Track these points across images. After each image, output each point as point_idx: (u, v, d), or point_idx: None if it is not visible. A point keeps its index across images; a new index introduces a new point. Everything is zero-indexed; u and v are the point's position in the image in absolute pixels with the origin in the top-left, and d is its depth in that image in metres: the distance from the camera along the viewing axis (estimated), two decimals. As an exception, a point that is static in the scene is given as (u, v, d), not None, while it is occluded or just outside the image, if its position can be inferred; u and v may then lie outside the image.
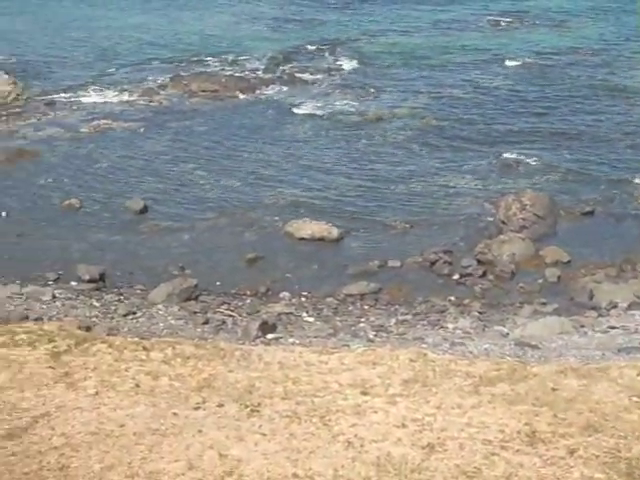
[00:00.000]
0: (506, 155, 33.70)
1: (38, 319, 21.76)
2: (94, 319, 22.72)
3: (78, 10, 57.34)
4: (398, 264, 26.35)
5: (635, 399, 14.13)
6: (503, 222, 28.37)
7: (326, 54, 47.76)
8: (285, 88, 42.53)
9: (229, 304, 24.16)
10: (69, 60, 47.09)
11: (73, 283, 25.29)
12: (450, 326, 22.61)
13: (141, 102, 40.95)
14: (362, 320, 23.13)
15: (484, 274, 25.75)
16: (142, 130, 37.31)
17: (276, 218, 29.05)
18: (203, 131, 37.19)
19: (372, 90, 41.84)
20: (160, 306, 23.88)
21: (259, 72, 44.81)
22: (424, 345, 20.10)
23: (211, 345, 17.24)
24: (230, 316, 23.36)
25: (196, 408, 14.02)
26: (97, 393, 14.54)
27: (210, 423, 13.50)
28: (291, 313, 23.63)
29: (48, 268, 26.05)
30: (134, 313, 23.42)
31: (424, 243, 27.28)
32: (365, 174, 32.55)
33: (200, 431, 13.28)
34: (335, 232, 27.89)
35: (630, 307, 23.58)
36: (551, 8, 55.75)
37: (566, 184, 31.30)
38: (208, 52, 48.04)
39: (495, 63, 45.39)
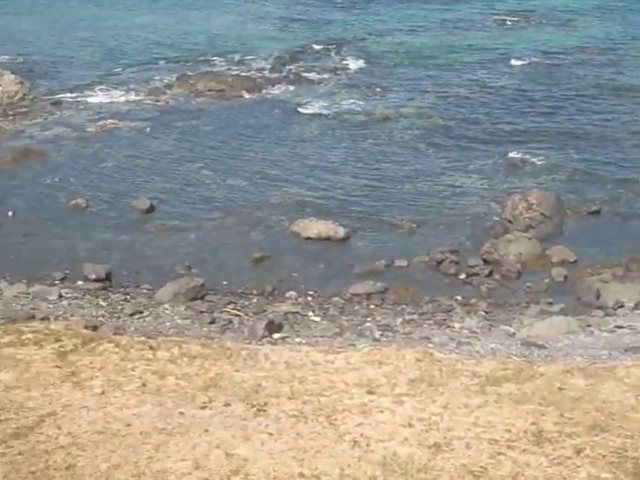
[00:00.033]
0: (512, 154, 33.65)
1: (45, 318, 21.79)
2: (100, 318, 22.74)
3: (85, 10, 57.39)
4: (405, 264, 26.32)
5: (642, 398, 14.14)
6: (509, 221, 28.34)
7: (332, 53, 47.72)
8: (291, 88, 42.51)
9: (235, 303, 24.16)
10: (76, 60, 47.11)
11: (79, 282, 25.31)
12: (456, 326, 22.59)
13: (147, 102, 40.96)
14: (368, 319, 23.12)
15: (490, 274, 25.71)
16: (148, 130, 37.33)
17: (282, 217, 29.04)
18: (209, 131, 37.19)
19: (378, 89, 41.82)
20: (166, 305, 23.89)
21: (265, 72, 44.78)
22: (430, 345, 20.09)
23: (217, 344, 17.27)
24: (236, 315, 23.36)
25: (202, 407, 14.04)
26: (103, 392, 14.57)
27: (216, 422, 13.52)
28: (297, 312, 23.62)
29: (55, 267, 26.07)
30: (140, 312, 23.42)
31: (430, 243, 27.25)
32: (371, 173, 32.52)
33: (206, 430, 13.30)
34: (341, 231, 27.87)
35: (637, 307, 23.53)
36: (557, 7, 55.66)
37: (572, 183, 31.25)
38: (214, 52, 48.04)
39: (501, 62, 45.32)
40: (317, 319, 23.26)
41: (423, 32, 51.59)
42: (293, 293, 24.80)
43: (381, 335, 21.89)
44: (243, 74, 44.20)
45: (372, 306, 24.05)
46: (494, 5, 56.87)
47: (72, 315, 22.67)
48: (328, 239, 27.69)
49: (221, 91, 41.78)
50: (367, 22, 54.02)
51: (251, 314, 23.43)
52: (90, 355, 16.04)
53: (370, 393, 14.45)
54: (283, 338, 21.37)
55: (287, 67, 45.34)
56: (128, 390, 14.65)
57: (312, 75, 44.21)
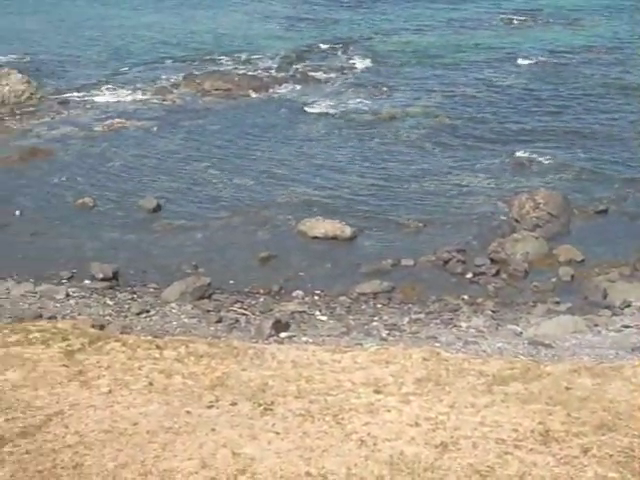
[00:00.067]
0: (519, 154, 33.62)
1: (52, 317, 21.83)
2: (108, 317, 22.77)
3: (91, 9, 57.46)
4: (411, 263, 26.31)
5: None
6: (516, 221, 28.32)
7: (339, 53, 47.74)
8: (298, 87, 42.52)
9: (242, 302, 24.17)
10: (82, 59, 47.17)
11: (87, 281, 25.34)
12: (463, 325, 22.58)
13: (154, 101, 41.01)
14: (375, 319, 23.12)
15: (497, 273, 25.69)
16: (155, 129, 37.36)
17: (289, 217, 29.04)
18: (216, 130, 37.22)
19: (385, 89, 41.81)
20: (173, 304, 23.91)
21: (272, 71, 44.82)
22: (437, 344, 20.09)
23: (224, 344, 17.28)
24: (243, 315, 23.37)
25: (209, 406, 14.05)
26: (110, 391, 14.59)
27: (223, 421, 13.53)
28: (304, 312, 23.62)
29: (62, 267, 26.11)
30: (147, 311, 23.45)
31: (437, 242, 27.24)
32: (378, 173, 32.52)
33: (213, 429, 13.30)
34: (348, 231, 27.87)
35: (644, 306, 23.54)
36: (565, 6, 55.58)
37: (579, 183, 31.22)
38: (221, 51, 48.08)
39: (508, 62, 45.29)
40: (324, 318, 23.26)
41: (430, 31, 51.58)
42: (300, 292, 24.81)
43: (388, 334, 21.89)
44: (250, 73, 44.22)
45: (379, 305, 24.04)
46: (501, 4, 56.83)
47: (79, 314, 22.71)
48: (335, 238, 27.69)
49: (228, 90, 41.81)
50: (374, 21, 54.01)
51: (258, 313, 23.44)
52: (97, 354, 16.06)
53: (377, 392, 14.45)
54: (290, 337, 21.38)
55: (294, 66, 45.36)
56: (135, 389, 14.66)
57: (319, 74, 44.22)
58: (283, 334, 21.56)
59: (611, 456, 12.49)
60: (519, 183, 31.17)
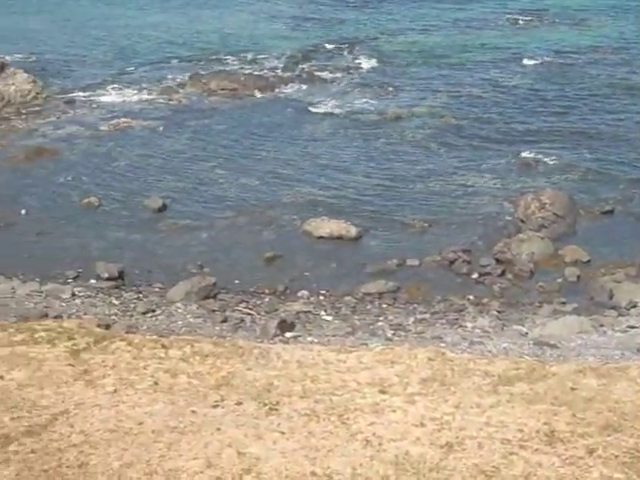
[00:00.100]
0: (525, 154, 33.59)
1: (57, 317, 21.85)
2: (113, 317, 22.79)
3: (97, 9, 57.50)
4: (417, 263, 26.31)
5: (655, 399, 14.10)
6: (522, 221, 28.30)
7: (345, 53, 47.73)
8: (304, 87, 42.52)
9: (248, 302, 24.18)
10: (88, 59, 47.22)
11: (92, 281, 25.37)
12: (469, 325, 22.57)
13: (160, 101, 41.03)
14: (380, 319, 23.11)
15: (503, 273, 25.68)
16: (161, 129, 37.38)
17: (294, 217, 29.04)
18: (222, 130, 37.23)
19: (391, 89, 41.79)
20: (179, 304, 23.93)
21: (278, 71, 44.82)
22: (443, 344, 20.08)
23: (230, 343, 17.27)
24: (249, 314, 23.38)
25: (214, 406, 14.05)
26: (116, 391, 14.59)
27: (228, 421, 13.53)
28: (309, 312, 23.63)
29: (67, 266, 26.15)
30: (153, 311, 23.47)
31: (443, 242, 27.22)
32: (383, 173, 32.51)
33: (218, 429, 13.30)
34: (353, 231, 27.86)
35: (650, 307, 23.51)
36: (571, 6, 55.50)
37: (585, 183, 31.18)
38: (227, 51, 48.09)
39: (514, 62, 45.23)
40: (329, 318, 23.26)
41: (435, 31, 51.55)
42: (305, 292, 24.81)
43: (393, 334, 21.89)
44: (256, 73, 44.24)
45: (384, 305, 24.04)
46: (507, 4, 56.76)
47: (85, 313, 22.74)
48: (340, 238, 27.69)
49: (234, 90, 41.83)
50: (379, 21, 54.00)
51: (263, 313, 23.45)
52: (103, 353, 16.07)
53: (382, 392, 14.44)
54: (295, 337, 21.38)
55: (300, 66, 45.36)
56: (140, 388, 14.67)
57: (324, 74, 44.21)
58: (288, 334, 21.57)
59: (616, 457, 12.47)
60: (525, 183, 31.15)
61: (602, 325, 22.20)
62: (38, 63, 45.75)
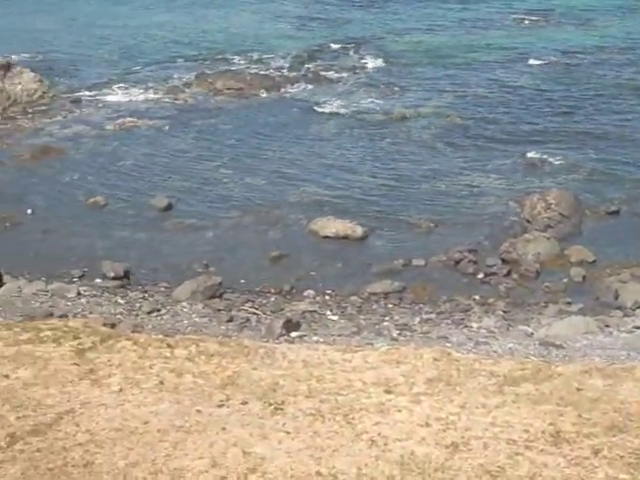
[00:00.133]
0: (531, 154, 33.55)
1: (63, 316, 21.87)
2: (119, 316, 22.80)
3: (103, 8, 57.58)
4: (422, 263, 26.29)
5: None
6: (528, 221, 28.27)
7: (351, 52, 47.73)
8: (310, 86, 42.53)
9: (253, 302, 24.17)
10: (94, 58, 47.29)
11: (98, 280, 25.39)
12: (474, 325, 22.55)
13: (166, 100, 41.06)
14: (386, 319, 23.10)
15: (509, 273, 25.65)
16: (167, 128, 37.41)
17: (300, 216, 29.04)
18: (228, 129, 37.25)
19: (397, 89, 41.78)
20: (184, 303, 23.93)
21: (284, 70, 44.84)
22: (448, 344, 20.05)
23: (235, 343, 17.28)
24: (254, 314, 23.38)
25: (220, 405, 14.06)
26: (121, 390, 14.61)
27: (234, 421, 13.53)
28: (315, 311, 23.62)
29: (73, 265, 26.17)
30: (158, 310, 23.48)
31: (448, 242, 27.19)
32: (389, 173, 32.49)
33: (224, 428, 13.31)
34: (359, 230, 27.85)
35: (656, 307, 23.48)
36: (577, 6, 55.46)
37: (591, 183, 31.14)
38: (233, 50, 48.12)
39: (520, 62, 45.20)
40: (335, 318, 23.25)
41: (441, 31, 51.54)
42: (311, 292, 24.81)
43: (399, 334, 21.88)
44: (262, 73, 44.26)
45: (390, 305, 24.03)
46: (513, 4, 56.75)
47: (90, 313, 22.75)
48: (346, 238, 27.68)
49: (240, 90, 41.85)
50: (385, 21, 53.99)
51: (269, 312, 23.44)
52: (108, 353, 16.08)
53: (388, 392, 14.44)
54: (301, 337, 21.37)
55: (305, 66, 45.36)
56: (146, 388, 14.68)
57: (330, 74, 44.22)
58: (294, 333, 21.57)
59: (622, 457, 12.46)
60: (531, 183, 31.11)
61: (608, 325, 22.17)
62: (44, 62, 45.79)
